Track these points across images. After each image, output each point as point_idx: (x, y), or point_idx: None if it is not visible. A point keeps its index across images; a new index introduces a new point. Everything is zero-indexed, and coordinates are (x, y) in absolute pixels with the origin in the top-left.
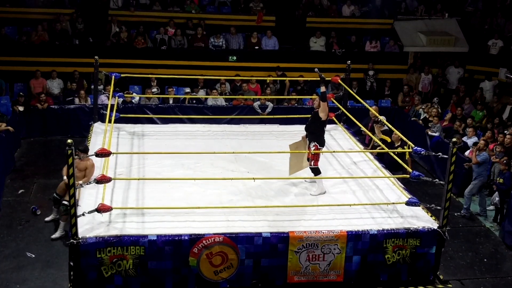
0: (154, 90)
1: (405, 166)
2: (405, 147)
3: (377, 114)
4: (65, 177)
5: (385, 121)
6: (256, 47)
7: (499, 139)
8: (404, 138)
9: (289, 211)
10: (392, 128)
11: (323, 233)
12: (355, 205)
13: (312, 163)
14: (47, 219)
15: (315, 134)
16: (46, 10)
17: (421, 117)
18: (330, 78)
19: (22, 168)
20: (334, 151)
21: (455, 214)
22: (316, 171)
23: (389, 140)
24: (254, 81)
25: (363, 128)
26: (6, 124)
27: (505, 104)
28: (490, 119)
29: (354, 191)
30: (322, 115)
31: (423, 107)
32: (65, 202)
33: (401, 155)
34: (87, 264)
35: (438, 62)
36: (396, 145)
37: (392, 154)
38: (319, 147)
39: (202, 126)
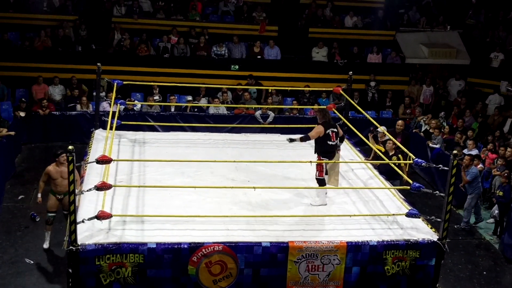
0: (156, 97)
1: (401, 173)
2: (399, 155)
3: (379, 126)
4: (39, 195)
5: (385, 132)
6: (259, 57)
7: (500, 152)
8: (404, 148)
9: (289, 220)
10: (392, 138)
11: (323, 243)
12: (355, 216)
13: (317, 174)
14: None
15: (316, 146)
16: (49, 16)
17: (422, 129)
18: (332, 89)
19: (23, 174)
20: (334, 161)
21: (455, 226)
22: (320, 182)
23: (383, 149)
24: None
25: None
26: (7, 129)
27: (505, 117)
28: (489, 132)
29: (354, 202)
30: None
31: (424, 118)
32: (50, 214)
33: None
34: (85, 271)
35: (445, 75)
36: (390, 154)
37: (391, 164)
38: (322, 158)
39: (203, 135)
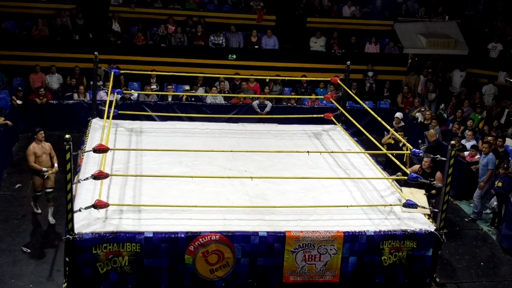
0: (153, 87)
1: (403, 167)
2: (403, 148)
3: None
4: (44, 169)
5: (390, 129)
6: (256, 46)
7: (498, 143)
8: (404, 140)
9: (286, 210)
10: (392, 131)
11: (320, 233)
12: (352, 206)
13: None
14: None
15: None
16: (46, 5)
17: (419, 121)
18: (329, 79)
19: (20, 163)
20: (332, 151)
21: (465, 220)
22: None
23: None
24: (253, 80)
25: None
26: (4, 118)
27: (503, 107)
28: (487, 126)
29: (352, 192)
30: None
31: (422, 109)
32: (48, 190)
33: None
34: (82, 260)
35: (449, 66)
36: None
37: (389, 154)
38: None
39: (200, 124)
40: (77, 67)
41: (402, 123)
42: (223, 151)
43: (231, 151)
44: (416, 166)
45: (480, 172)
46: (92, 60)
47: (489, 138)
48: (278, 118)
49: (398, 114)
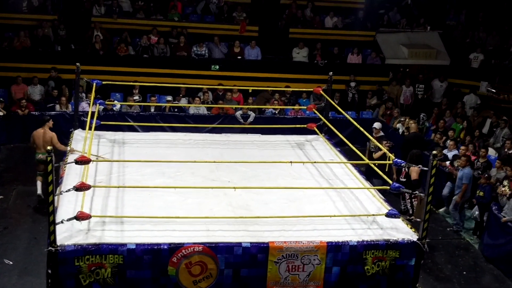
0: (136, 97)
1: (385, 176)
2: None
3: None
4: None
5: (373, 140)
6: (239, 57)
7: (481, 153)
8: (384, 149)
9: (269, 221)
10: (379, 145)
11: (303, 243)
12: (335, 216)
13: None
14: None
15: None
16: (28, 16)
17: (400, 131)
18: (312, 89)
19: (1, 175)
20: (315, 162)
21: (448, 229)
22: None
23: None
24: (236, 90)
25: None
26: None
27: (485, 117)
28: (468, 136)
29: (334, 202)
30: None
31: (402, 119)
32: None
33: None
34: (65, 272)
35: (431, 76)
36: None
37: (371, 164)
38: None
39: (183, 135)
40: (53, 71)
41: (381, 133)
42: (206, 162)
43: (214, 162)
44: (415, 168)
45: (457, 185)
46: (74, 71)
47: (462, 147)
48: (261, 129)
49: (376, 125)
